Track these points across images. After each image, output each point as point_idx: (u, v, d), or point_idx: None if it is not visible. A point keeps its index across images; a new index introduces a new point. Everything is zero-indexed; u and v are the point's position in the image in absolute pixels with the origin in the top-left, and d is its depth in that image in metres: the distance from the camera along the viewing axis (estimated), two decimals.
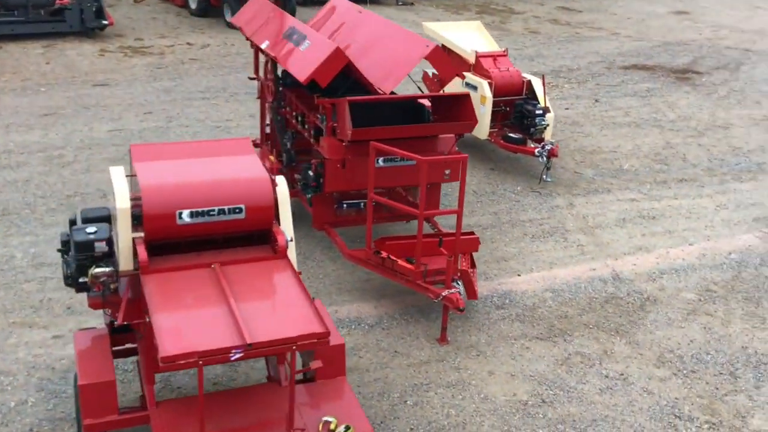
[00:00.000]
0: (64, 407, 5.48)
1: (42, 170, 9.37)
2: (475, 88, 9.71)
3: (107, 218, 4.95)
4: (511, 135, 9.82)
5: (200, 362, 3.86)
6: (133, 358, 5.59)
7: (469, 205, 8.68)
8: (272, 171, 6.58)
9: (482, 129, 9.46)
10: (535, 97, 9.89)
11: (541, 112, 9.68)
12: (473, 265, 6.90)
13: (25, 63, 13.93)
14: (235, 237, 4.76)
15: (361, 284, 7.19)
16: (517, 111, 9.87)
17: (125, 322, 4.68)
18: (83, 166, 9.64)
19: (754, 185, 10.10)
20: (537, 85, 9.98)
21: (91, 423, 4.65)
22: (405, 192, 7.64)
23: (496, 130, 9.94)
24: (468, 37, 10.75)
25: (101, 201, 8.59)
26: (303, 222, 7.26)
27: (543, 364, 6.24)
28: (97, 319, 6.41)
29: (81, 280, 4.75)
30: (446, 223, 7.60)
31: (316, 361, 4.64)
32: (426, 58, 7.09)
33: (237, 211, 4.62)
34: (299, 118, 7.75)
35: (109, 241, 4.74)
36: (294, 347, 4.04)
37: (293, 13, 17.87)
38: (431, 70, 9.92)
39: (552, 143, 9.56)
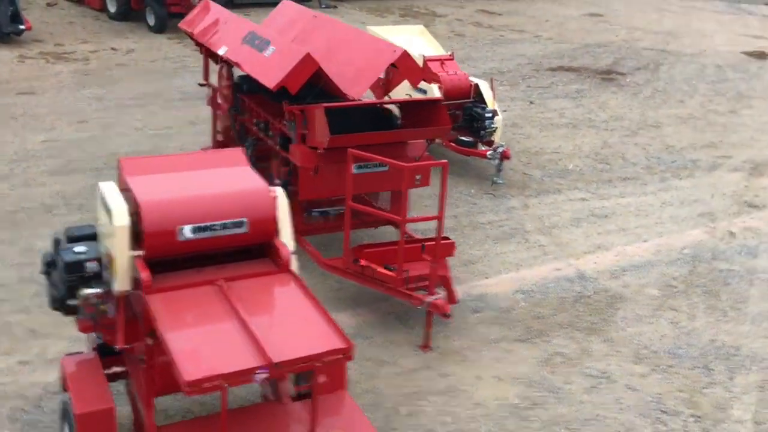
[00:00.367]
0: None
1: None
2: (424, 92, 9.72)
3: (94, 236, 4.74)
4: (463, 138, 9.87)
5: (225, 385, 3.72)
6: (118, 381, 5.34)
7: (427, 209, 8.66)
8: None
9: None
10: (483, 101, 9.97)
11: (490, 115, 9.77)
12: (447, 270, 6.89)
13: None
14: (233, 251, 4.62)
15: (334, 293, 7.09)
16: (467, 114, 9.92)
17: (125, 345, 4.47)
18: (21, 180, 9.20)
19: (692, 182, 10.45)
20: (484, 88, 10.07)
21: None
22: (368, 198, 7.58)
23: None
24: (413, 41, 10.76)
25: (48, 217, 8.22)
26: None
27: (527, 366, 6.28)
28: (65, 342, 6.15)
29: (70, 302, 4.54)
30: (414, 228, 7.57)
31: (320, 376, 4.56)
32: (394, 63, 7.06)
33: (239, 224, 4.48)
34: (261, 126, 7.60)
35: (100, 261, 4.54)
36: (319, 364, 3.94)
37: None
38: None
39: (503, 145, 9.67)
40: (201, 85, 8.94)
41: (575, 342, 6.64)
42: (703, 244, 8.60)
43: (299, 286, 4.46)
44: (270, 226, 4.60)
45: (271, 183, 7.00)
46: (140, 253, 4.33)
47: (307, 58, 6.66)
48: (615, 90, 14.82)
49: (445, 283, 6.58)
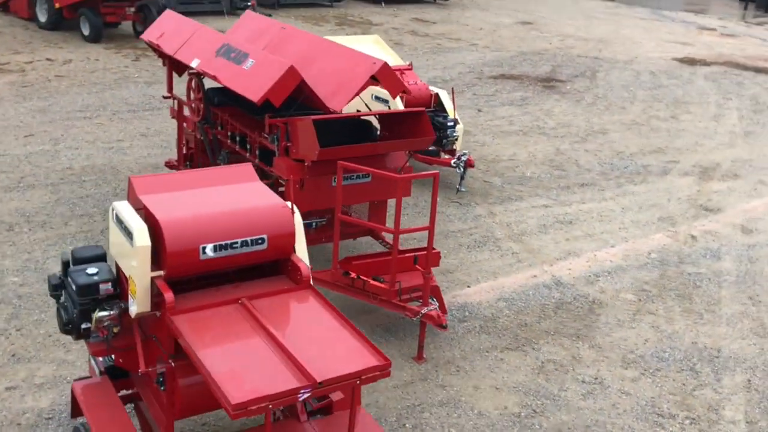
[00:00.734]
0: None
1: None
2: (386, 101, 9.71)
3: (102, 257, 4.57)
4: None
5: (270, 406, 3.62)
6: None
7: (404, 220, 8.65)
8: None
9: None
10: (443, 110, 10.03)
11: (452, 123, 9.83)
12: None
13: None
14: (248, 269, 4.52)
15: None
16: None
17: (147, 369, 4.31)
18: None
19: (647, 187, 10.72)
20: (444, 97, 10.13)
21: None
22: (345, 209, 7.51)
23: None
24: (370, 50, 10.68)
25: (11, 235, 7.89)
26: None
27: (521, 374, 6.32)
28: (51, 365, 5.93)
29: (84, 326, 4.37)
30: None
31: (337, 393, 4.49)
32: (375, 75, 7.02)
33: (259, 242, 4.38)
34: (237, 139, 7.46)
35: (114, 282, 4.39)
36: (358, 382, 3.88)
37: None
38: None
39: (466, 153, 9.73)
40: (165, 97, 8.70)
41: (564, 348, 6.72)
42: (667, 249, 8.82)
43: (323, 302, 4.39)
44: (288, 242, 4.52)
45: None
46: (161, 273, 4.19)
47: (291, 71, 6.56)
48: (558, 97, 15.11)
49: (436, 293, 6.57)
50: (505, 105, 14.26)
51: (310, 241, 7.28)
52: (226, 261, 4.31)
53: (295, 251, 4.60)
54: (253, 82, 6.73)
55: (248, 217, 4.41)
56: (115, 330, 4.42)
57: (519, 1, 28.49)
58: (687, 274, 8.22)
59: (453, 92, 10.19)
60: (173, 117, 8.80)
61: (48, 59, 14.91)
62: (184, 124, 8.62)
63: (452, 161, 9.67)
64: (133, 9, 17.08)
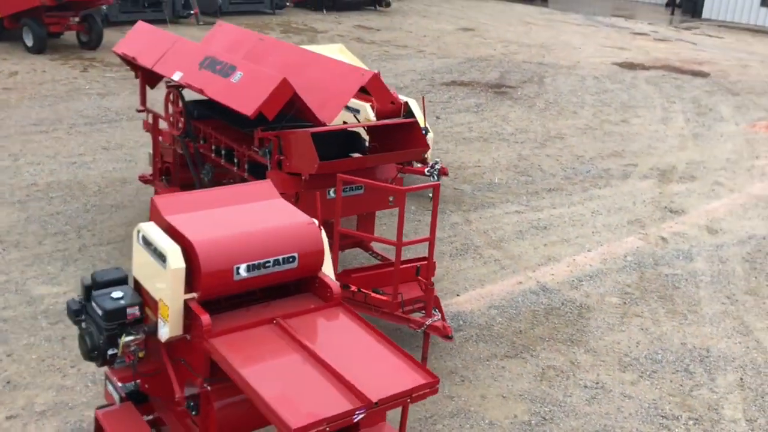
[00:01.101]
0: None
1: None
2: (357, 111, 9.68)
3: (125, 280, 4.44)
4: None
5: (327, 429, 3.57)
6: None
7: (375, 229, 8.63)
8: None
9: None
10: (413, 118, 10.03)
11: (424, 132, 9.82)
12: None
13: None
14: (276, 287, 4.45)
15: None
16: None
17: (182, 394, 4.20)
18: None
19: (611, 191, 10.94)
20: (414, 106, 10.15)
21: None
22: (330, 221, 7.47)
23: None
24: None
25: None
26: None
27: (525, 381, 6.37)
28: (50, 392, 5.73)
29: (110, 352, 4.24)
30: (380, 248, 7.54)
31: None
32: (365, 86, 7.00)
33: (290, 260, 4.32)
34: (223, 152, 7.33)
35: (140, 306, 4.27)
36: (409, 400, 3.85)
37: (100, 38, 16.88)
38: None
39: (438, 162, 9.75)
40: (139, 111, 8.50)
41: (561, 354, 6.80)
42: (641, 251, 9.01)
43: (357, 319, 4.35)
44: (318, 260, 4.46)
45: None
46: (194, 295, 4.09)
47: (284, 84, 6.48)
48: (511, 103, 15.31)
49: (436, 304, 6.57)
50: (462, 112, 14.37)
51: None
52: (258, 281, 4.24)
53: (322, 268, 4.54)
54: (243, 95, 6.62)
55: (279, 235, 4.34)
56: (141, 355, 4.31)
57: (456, 8, 28.80)
58: (665, 276, 8.41)
59: (423, 101, 10.21)
60: (147, 131, 8.60)
61: None
62: (160, 138, 8.43)
63: (426, 170, 9.68)
64: (77, 19, 16.67)
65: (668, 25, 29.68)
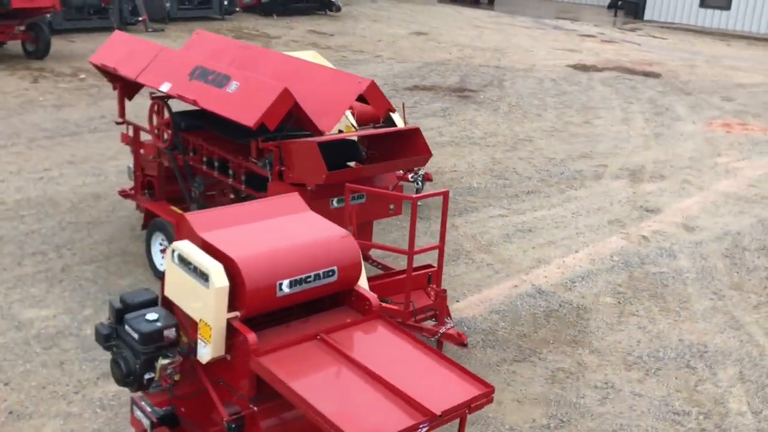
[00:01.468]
0: None
1: None
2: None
3: (155, 301, 4.31)
4: None
5: None
6: None
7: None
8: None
9: None
10: (393, 125, 10.00)
11: None
12: None
13: None
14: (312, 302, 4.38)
15: None
16: None
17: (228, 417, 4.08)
18: None
19: (587, 192, 11.07)
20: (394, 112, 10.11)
21: None
22: None
23: None
24: None
25: None
26: None
27: (537, 385, 6.38)
28: (57, 420, 5.54)
29: (147, 376, 4.10)
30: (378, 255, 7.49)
31: None
32: (363, 94, 6.95)
33: (330, 274, 4.25)
34: (216, 164, 7.20)
35: (177, 327, 4.15)
36: (467, 411, 3.82)
37: (47, 47, 16.49)
38: None
39: (421, 168, 9.75)
40: (119, 123, 8.28)
41: (567, 356, 6.83)
42: (626, 251, 9.13)
43: (399, 331, 4.30)
44: (356, 273, 4.40)
45: None
46: (237, 314, 3.99)
47: (285, 93, 6.38)
48: (476, 107, 15.39)
49: (447, 311, 6.55)
50: (429, 116, 14.39)
51: None
52: (300, 296, 4.16)
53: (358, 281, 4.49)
54: (242, 105, 6.50)
55: (318, 249, 4.26)
56: (176, 378, 4.19)
57: (405, 12, 28.89)
58: (652, 274, 8.53)
59: (404, 107, 10.19)
60: (126, 143, 8.38)
61: None
62: (142, 151, 8.22)
63: (410, 176, 9.67)
64: (22, 27, 16.25)
65: (612, 26, 30.24)
